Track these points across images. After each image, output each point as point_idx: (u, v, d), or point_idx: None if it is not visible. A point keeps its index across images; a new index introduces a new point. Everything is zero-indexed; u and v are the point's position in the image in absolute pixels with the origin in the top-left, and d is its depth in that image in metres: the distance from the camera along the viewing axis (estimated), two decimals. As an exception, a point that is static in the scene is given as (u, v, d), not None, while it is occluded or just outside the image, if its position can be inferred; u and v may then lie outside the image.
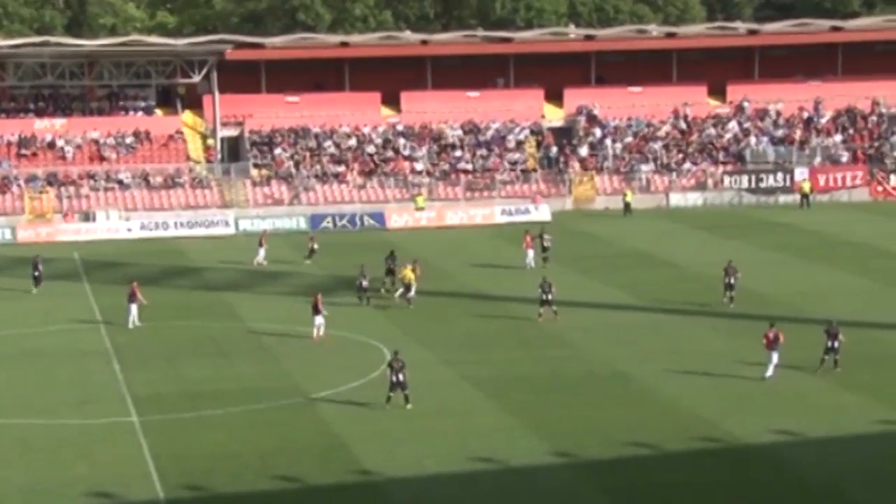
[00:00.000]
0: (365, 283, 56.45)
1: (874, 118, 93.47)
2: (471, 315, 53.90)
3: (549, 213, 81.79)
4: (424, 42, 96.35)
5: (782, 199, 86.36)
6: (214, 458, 35.63)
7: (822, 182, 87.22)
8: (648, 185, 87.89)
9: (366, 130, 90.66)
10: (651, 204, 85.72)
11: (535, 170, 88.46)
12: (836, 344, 43.24)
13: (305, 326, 51.42)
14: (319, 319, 49.56)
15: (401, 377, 40.14)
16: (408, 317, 53.65)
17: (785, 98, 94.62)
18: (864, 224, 75.86)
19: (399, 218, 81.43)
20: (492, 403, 40.65)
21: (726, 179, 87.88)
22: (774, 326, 42.91)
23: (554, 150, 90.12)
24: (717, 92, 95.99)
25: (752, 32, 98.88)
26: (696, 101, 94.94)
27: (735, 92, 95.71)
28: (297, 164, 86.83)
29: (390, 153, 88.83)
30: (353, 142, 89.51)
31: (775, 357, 42.29)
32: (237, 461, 35.29)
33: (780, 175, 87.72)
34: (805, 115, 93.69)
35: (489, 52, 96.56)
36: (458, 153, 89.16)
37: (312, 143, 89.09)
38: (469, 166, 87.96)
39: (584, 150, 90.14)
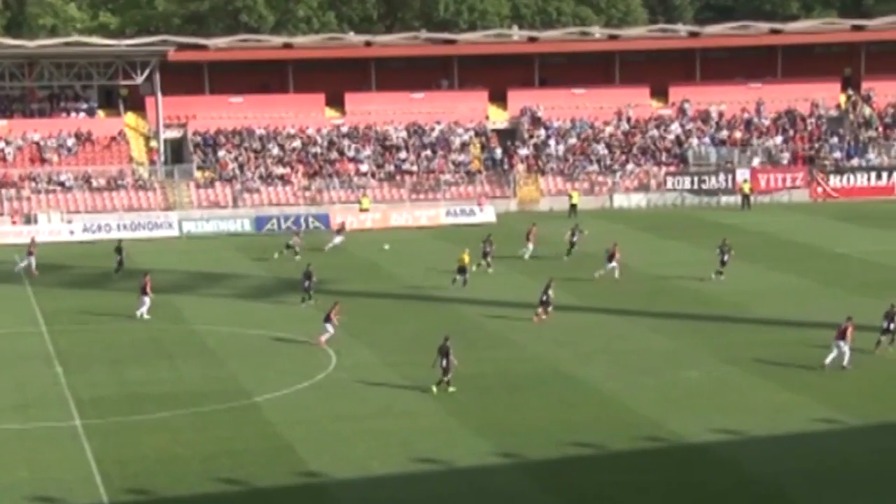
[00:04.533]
0: (308, 284, 56.18)
1: (813, 120, 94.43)
2: (416, 316, 53.98)
3: (493, 214, 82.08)
4: (368, 43, 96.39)
5: (724, 199, 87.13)
6: (158, 461, 35.50)
7: (763, 183, 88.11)
8: (592, 186, 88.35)
9: (310, 132, 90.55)
10: (595, 205, 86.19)
11: (479, 171, 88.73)
12: (893, 326, 45.31)
13: (250, 328, 51.42)
14: (329, 328, 48.66)
15: (444, 362, 41.33)
16: (353, 318, 53.51)
17: (726, 100, 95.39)
18: (805, 225, 76.62)
19: (344, 219, 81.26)
20: (436, 404, 40.74)
21: (669, 181, 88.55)
22: (850, 320, 43.83)
23: (498, 151, 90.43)
24: (660, 94, 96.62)
25: (693, 35, 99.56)
26: (638, 102, 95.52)
27: (677, 94, 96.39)
28: (241, 166, 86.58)
29: (335, 154, 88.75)
30: (297, 143, 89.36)
31: (845, 346, 43.31)
32: (181, 464, 35.18)
33: (722, 176, 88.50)
34: (746, 116, 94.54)
35: (433, 54, 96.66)
36: (402, 154, 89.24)
37: (256, 145, 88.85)
38: (414, 168, 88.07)
39: (528, 152, 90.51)
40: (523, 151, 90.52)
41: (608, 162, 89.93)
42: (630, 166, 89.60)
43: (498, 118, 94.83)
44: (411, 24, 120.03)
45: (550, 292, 52.31)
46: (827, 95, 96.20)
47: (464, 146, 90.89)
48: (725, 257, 59.11)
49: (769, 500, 32.26)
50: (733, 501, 32.29)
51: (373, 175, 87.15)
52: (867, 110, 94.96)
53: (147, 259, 69.46)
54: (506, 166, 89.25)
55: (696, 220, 78.82)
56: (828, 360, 43.53)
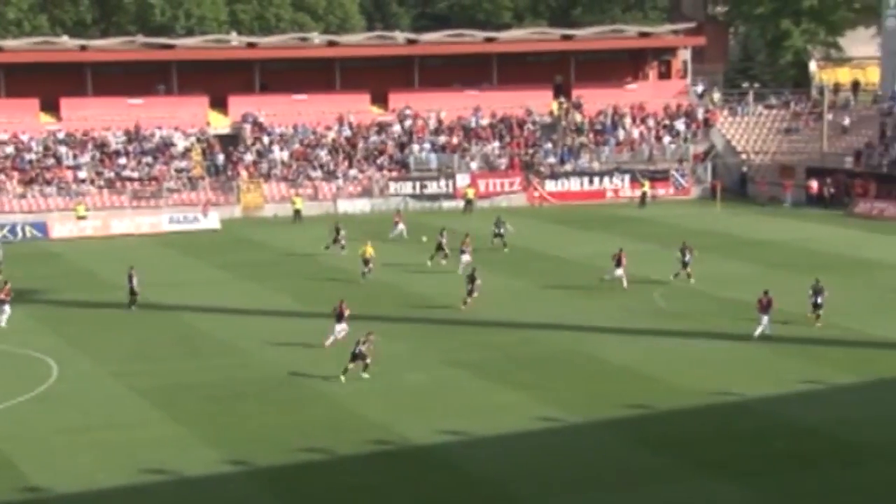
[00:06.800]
0: (134, 286, 55.37)
1: (529, 126, 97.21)
2: (140, 325, 53.17)
3: (217, 221, 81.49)
4: (83, 48, 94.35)
5: (446, 204, 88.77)
6: None
7: (482, 188, 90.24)
8: (316, 192, 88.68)
9: (24, 138, 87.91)
10: (319, 211, 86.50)
11: (202, 177, 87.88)
12: (821, 300, 49.77)
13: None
14: (341, 327, 47.63)
15: (362, 349, 43.02)
16: (74, 328, 52.48)
17: (444, 106, 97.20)
18: (523, 228, 78.57)
19: (63, 227, 79.35)
20: (162, 414, 40.34)
21: (391, 186, 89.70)
22: (768, 293, 47.82)
23: (220, 157, 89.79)
24: (380, 100, 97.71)
25: (411, 42, 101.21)
26: (359, 109, 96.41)
27: (397, 100, 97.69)
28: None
29: (52, 161, 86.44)
30: (10, 150, 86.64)
31: (766, 319, 47.68)
32: None
33: (442, 181, 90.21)
34: (464, 123, 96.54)
35: (151, 59, 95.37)
36: (122, 161, 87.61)
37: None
38: (135, 174, 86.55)
39: (250, 158, 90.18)
40: (246, 158, 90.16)
41: (331, 168, 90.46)
42: (353, 172, 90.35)
43: (219, 124, 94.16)
44: (127, 29, 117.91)
45: (478, 282, 54.59)
46: (540, 102, 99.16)
47: (185, 152, 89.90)
48: (687, 258, 59.27)
49: (494, 499, 33.14)
50: (460, 502, 33.08)
51: (92, 182, 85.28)
52: (578, 117, 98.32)
53: None
54: (229, 172, 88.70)
55: (420, 224, 79.92)
56: (756, 332, 47.70)
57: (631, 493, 33.29)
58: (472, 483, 34.04)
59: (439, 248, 65.36)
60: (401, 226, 74.46)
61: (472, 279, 55.13)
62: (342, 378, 42.97)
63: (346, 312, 48.10)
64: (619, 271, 58.25)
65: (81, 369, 45.85)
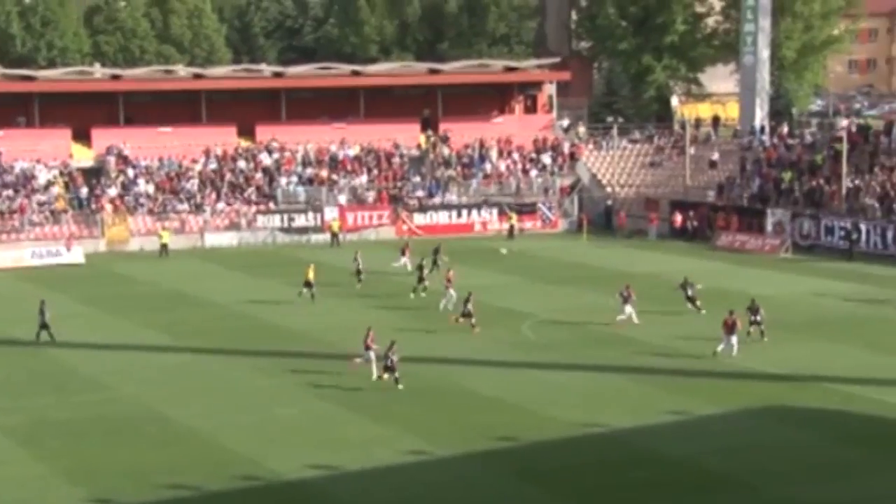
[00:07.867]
0: (46, 320, 54.45)
1: (397, 159, 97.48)
2: (2, 361, 52.08)
3: (82, 255, 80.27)
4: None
5: (314, 237, 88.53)
6: None
7: (350, 221, 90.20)
8: (183, 225, 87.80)
9: None
10: (186, 244, 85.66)
11: (65, 211, 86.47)
12: (759, 318, 52.42)
13: None
14: (371, 356, 47.54)
15: (393, 359, 45.88)
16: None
17: (311, 139, 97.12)
18: (391, 262, 78.71)
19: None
20: (24, 452, 39.55)
21: (259, 219, 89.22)
22: (733, 314, 50.23)
23: (84, 190, 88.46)
24: (247, 133, 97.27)
25: (278, 75, 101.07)
26: (226, 141, 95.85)
27: (264, 133, 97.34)
28: None
29: None
30: None
31: (734, 339, 49.81)
32: None
33: (311, 215, 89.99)
34: (331, 156, 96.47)
35: (11, 91, 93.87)
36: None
37: None
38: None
39: (115, 191, 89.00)
40: (111, 191, 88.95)
41: (198, 201, 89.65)
42: (221, 205, 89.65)
43: (82, 157, 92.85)
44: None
45: (470, 305, 55.55)
46: (408, 136, 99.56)
47: (48, 185, 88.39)
48: (690, 292, 59.29)
49: (366, 531, 33.18)
50: (331, 534, 33.00)
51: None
52: (446, 150, 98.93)
53: None
54: (93, 206, 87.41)
55: (288, 258, 79.70)
56: (719, 348, 50.02)
57: (502, 524, 33.50)
58: (344, 517, 33.98)
59: (420, 279, 65.25)
60: (403, 259, 73.66)
61: (466, 302, 56.26)
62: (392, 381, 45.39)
63: (372, 342, 48.16)
64: (629, 307, 57.28)
65: (-60, 407, 44.81)
